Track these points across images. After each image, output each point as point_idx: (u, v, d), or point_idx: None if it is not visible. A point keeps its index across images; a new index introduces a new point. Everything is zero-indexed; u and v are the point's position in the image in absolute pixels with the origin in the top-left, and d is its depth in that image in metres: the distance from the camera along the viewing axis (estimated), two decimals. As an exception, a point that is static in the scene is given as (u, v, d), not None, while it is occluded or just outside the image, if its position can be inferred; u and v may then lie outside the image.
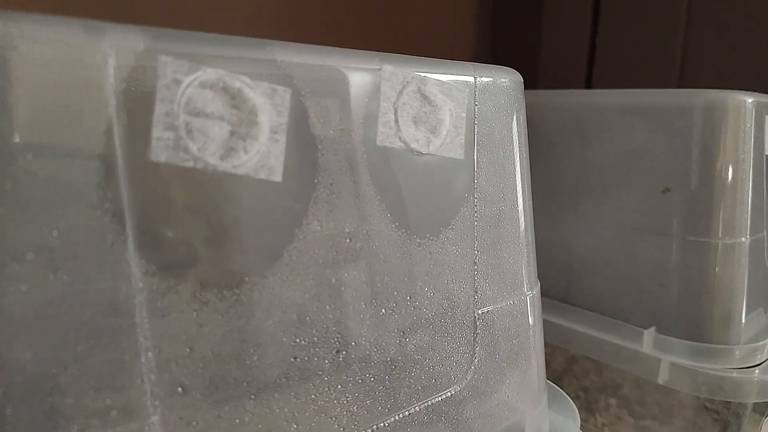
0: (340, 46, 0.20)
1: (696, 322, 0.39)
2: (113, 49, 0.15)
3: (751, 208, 0.38)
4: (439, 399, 0.23)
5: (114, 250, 0.16)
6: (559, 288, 0.46)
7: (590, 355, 0.44)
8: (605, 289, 0.43)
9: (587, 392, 0.49)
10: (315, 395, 0.20)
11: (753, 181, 0.38)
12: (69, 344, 0.15)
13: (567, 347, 0.45)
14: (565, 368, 0.51)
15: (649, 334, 0.39)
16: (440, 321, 0.23)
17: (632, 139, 0.41)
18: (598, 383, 0.48)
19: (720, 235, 0.38)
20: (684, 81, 0.52)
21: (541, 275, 0.29)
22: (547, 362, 0.39)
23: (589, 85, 0.56)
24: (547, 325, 0.41)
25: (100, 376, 0.16)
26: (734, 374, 0.38)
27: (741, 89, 0.38)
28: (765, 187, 0.40)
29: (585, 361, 0.47)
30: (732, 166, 0.38)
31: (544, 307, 0.36)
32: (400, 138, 0.21)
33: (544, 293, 0.46)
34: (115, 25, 0.16)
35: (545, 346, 0.30)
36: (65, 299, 0.15)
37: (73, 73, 0.15)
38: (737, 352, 0.39)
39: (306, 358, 0.19)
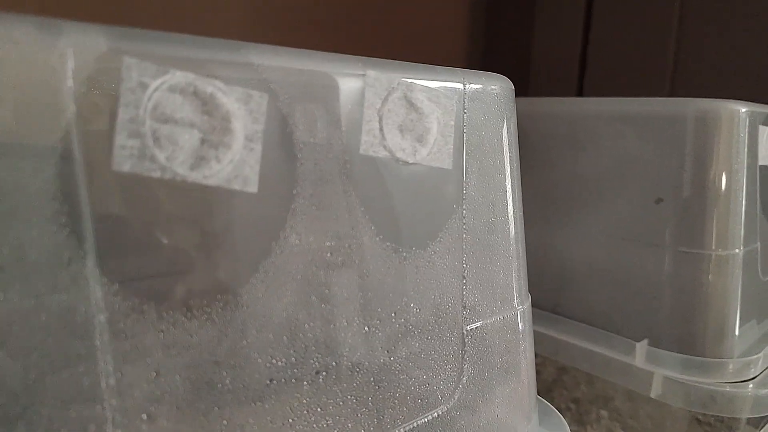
0: (330, 51, 0.19)
1: (689, 335, 0.38)
2: (72, 50, 0.14)
3: (745, 219, 0.37)
4: (426, 420, 0.22)
5: (71, 267, 0.14)
6: (549, 298, 0.45)
7: (581, 368, 0.43)
8: (596, 300, 0.42)
9: (578, 404, 0.48)
10: (293, 419, 0.19)
11: (746, 191, 0.37)
12: (19, 371, 0.14)
13: (557, 359, 0.44)
14: (556, 379, 0.50)
15: (641, 347, 0.38)
16: (427, 338, 0.22)
17: (624, 148, 0.40)
18: (589, 394, 0.47)
19: (713, 247, 0.37)
20: (676, 89, 0.51)
21: (531, 285, 0.28)
22: (537, 372, 0.38)
23: (580, 93, 0.56)
24: (536, 336, 0.40)
25: (56, 404, 0.14)
26: (727, 388, 0.37)
27: (733, 98, 0.38)
28: (758, 197, 0.39)
29: (576, 371, 0.46)
30: (725, 177, 0.37)
31: (534, 318, 0.35)
32: (384, 147, 0.20)
33: (534, 303, 0.45)
34: (75, 23, 0.14)
35: (535, 356, 0.29)
36: (15, 322, 0.14)
37: (26, 76, 0.14)
38: (731, 366, 0.38)
39: (283, 380, 0.18)
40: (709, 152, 0.37)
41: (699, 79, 0.51)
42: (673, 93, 0.51)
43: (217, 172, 0.16)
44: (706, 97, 0.38)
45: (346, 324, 0.20)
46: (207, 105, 0.16)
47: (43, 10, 0.41)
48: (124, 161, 0.15)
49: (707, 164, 0.37)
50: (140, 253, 0.16)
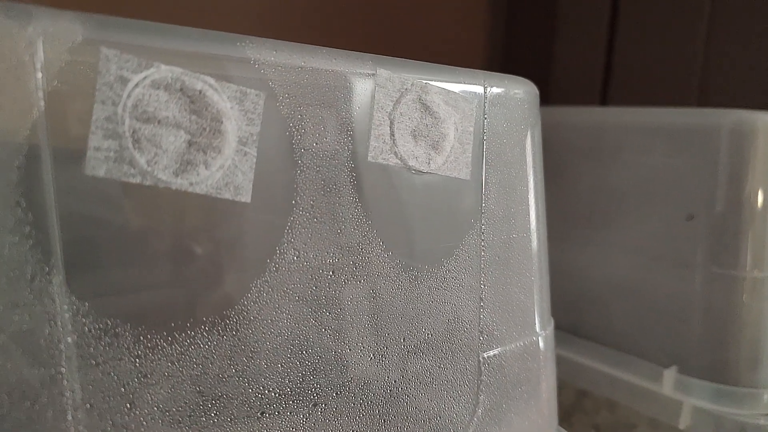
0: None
1: (721, 362, 0.35)
2: (42, 39, 0.13)
3: (784, 239, 0.35)
4: (436, 455, 0.20)
5: (35, 284, 0.13)
6: (569, 319, 0.43)
7: (603, 393, 0.40)
8: (621, 322, 0.40)
9: (598, 430, 0.46)
10: (287, 456, 0.17)
11: (786, 209, 0.35)
12: (-32, 403, 0.12)
13: (578, 383, 0.42)
14: (575, 403, 0.47)
15: (669, 374, 0.36)
16: (439, 366, 0.20)
17: (652, 161, 0.38)
18: (610, 421, 0.44)
19: (748, 268, 0.35)
20: (704, 98, 0.49)
21: (551, 304, 0.26)
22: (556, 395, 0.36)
23: (604, 102, 0.54)
24: (556, 359, 0.38)
25: (14, 440, 0.13)
26: (762, 421, 0.35)
27: (763, 108, 0.35)
28: (798, 215, 0.36)
29: (597, 395, 0.44)
30: (762, 192, 0.35)
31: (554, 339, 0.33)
32: (395, 154, 0.18)
33: (554, 324, 0.43)
34: (46, 9, 0.13)
35: None
36: (-33, 345, 0.12)
37: (-13, 65, 0.12)
38: (766, 397, 0.35)
39: (277, 413, 0.16)
40: (744, 166, 0.35)
41: (729, 88, 0.49)
42: (701, 102, 0.49)
43: (205, 179, 0.14)
44: (735, 107, 0.36)
45: (349, 350, 0.18)
46: (195, 103, 0.14)
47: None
48: (98, 165, 0.13)
49: (742, 179, 0.35)
50: (115, 269, 0.14)
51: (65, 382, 0.13)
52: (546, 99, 0.56)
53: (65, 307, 0.13)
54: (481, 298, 0.21)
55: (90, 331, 0.13)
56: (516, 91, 0.22)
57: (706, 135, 0.36)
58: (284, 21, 0.47)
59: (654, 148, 0.38)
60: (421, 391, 0.19)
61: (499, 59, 0.61)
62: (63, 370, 0.13)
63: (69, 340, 0.13)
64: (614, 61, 0.54)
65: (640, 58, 0.52)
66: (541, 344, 0.23)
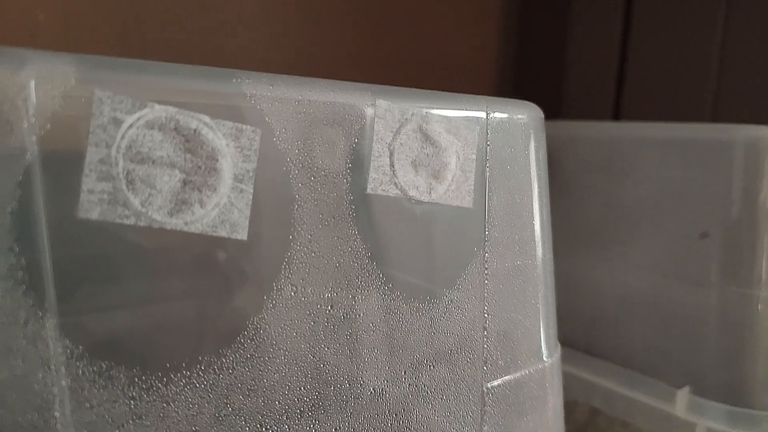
0: (353, 80, 0.17)
1: (736, 383, 0.34)
2: (34, 82, 0.12)
3: (801, 257, 0.34)
4: (440, 487, 0.20)
5: (29, 328, 0.13)
6: (580, 337, 0.42)
7: (615, 413, 0.40)
8: (633, 340, 0.39)
9: (611, 449, 0.45)
10: (286, 493, 0.17)
11: (803, 226, 0.34)
12: (-40, 451, 0.12)
13: (591, 402, 0.41)
14: (588, 420, 0.47)
15: (682, 395, 0.35)
16: (441, 398, 0.20)
17: (665, 177, 0.37)
18: (623, 439, 0.44)
19: (763, 286, 0.34)
20: (718, 114, 0.48)
21: (561, 322, 0.25)
22: (568, 413, 0.35)
23: (616, 116, 0.53)
24: (567, 377, 0.37)
25: (7, 485, 0.13)
26: (779, 443, 0.34)
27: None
28: (816, 233, 0.35)
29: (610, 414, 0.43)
30: (778, 209, 0.34)
31: (564, 357, 0.32)
32: (396, 185, 0.18)
33: (564, 341, 0.42)
34: (39, 52, 0.13)
35: (566, 396, 0.26)
36: (-41, 393, 0.12)
37: (-22, 112, 0.12)
38: (783, 419, 0.34)
39: (274, 451, 0.16)
40: (758, 182, 0.34)
41: (743, 104, 0.48)
42: (715, 118, 0.48)
43: (200, 218, 0.14)
44: (749, 122, 0.35)
45: (348, 386, 0.17)
46: (190, 142, 0.14)
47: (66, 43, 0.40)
48: (92, 207, 0.13)
49: (757, 195, 0.34)
50: (109, 311, 0.14)
51: (59, 426, 0.13)
52: (558, 113, 0.55)
53: (59, 350, 0.13)
54: (484, 328, 0.21)
55: (84, 374, 0.13)
56: (519, 115, 0.21)
57: (720, 151, 0.35)
58: (289, 49, 0.47)
59: (667, 164, 0.37)
60: (423, 424, 0.19)
61: (512, 75, 0.60)
62: (57, 414, 0.13)
63: (63, 383, 0.13)
64: (627, 75, 0.53)
65: (653, 72, 0.52)
66: (547, 372, 0.23)
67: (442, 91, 0.19)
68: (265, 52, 0.46)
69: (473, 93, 0.20)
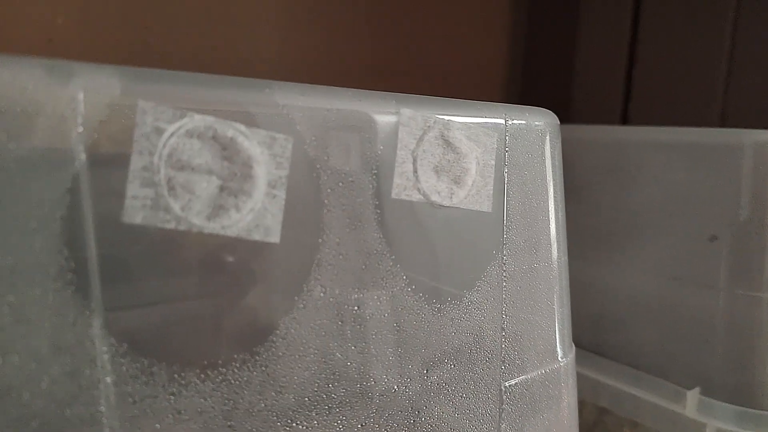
0: (366, 86, 0.18)
1: (746, 385, 0.35)
2: (83, 94, 0.13)
3: (809, 260, 0.34)
4: (459, 483, 0.20)
5: (77, 327, 0.13)
6: (590, 337, 0.43)
7: (624, 413, 0.40)
8: (643, 342, 0.40)
9: (620, 449, 0.45)
10: (314, 487, 0.17)
11: (811, 229, 0.34)
12: (15, 443, 0.13)
13: (600, 403, 0.41)
14: (597, 420, 0.47)
15: (692, 396, 0.35)
16: (461, 396, 0.20)
17: (674, 180, 0.37)
18: (632, 439, 0.44)
19: (772, 289, 0.34)
20: (726, 119, 0.48)
21: (574, 323, 0.26)
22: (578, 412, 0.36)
23: (624, 120, 0.53)
24: (577, 377, 0.38)
25: (56, 476, 0.13)
26: (788, 444, 0.34)
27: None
28: (824, 236, 0.36)
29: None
30: (787, 212, 0.34)
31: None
32: (419, 190, 0.19)
33: (574, 342, 0.43)
34: (86, 65, 0.13)
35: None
36: (15, 387, 0.13)
37: (34, 123, 0.13)
38: (791, 420, 0.35)
39: (304, 446, 0.17)
40: (767, 186, 0.35)
41: (752, 109, 0.48)
42: (723, 123, 0.49)
43: (236, 222, 0.15)
44: (758, 128, 0.35)
45: (373, 383, 0.18)
46: (227, 150, 0.15)
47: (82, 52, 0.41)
48: (136, 212, 0.14)
49: (766, 199, 0.35)
50: (151, 311, 0.14)
51: (104, 420, 0.14)
52: (566, 118, 0.56)
53: (104, 348, 0.14)
54: (502, 328, 0.21)
55: (127, 371, 0.14)
56: (537, 122, 0.22)
57: (729, 155, 0.35)
58: (303, 56, 0.48)
59: (676, 167, 0.38)
60: (444, 421, 0.20)
61: (520, 79, 0.61)
62: (102, 408, 0.14)
63: (108, 380, 0.14)
64: (635, 80, 0.54)
65: (661, 77, 0.52)
66: (562, 371, 0.23)
67: (451, 95, 0.20)
68: (279, 58, 0.47)
69: (482, 97, 0.21)
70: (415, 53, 0.53)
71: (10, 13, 0.39)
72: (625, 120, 0.54)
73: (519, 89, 0.61)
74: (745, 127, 0.37)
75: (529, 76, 0.61)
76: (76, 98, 0.13)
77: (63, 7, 0.41)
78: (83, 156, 0.13)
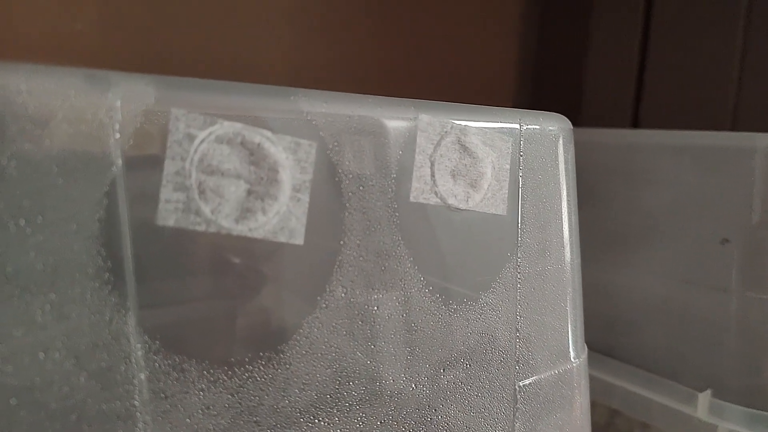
0: (375, 93, 0.18)
1: (757, 387, 0.35)
2: (119, 102, 0.14)
3: (821, 263, 0.35)
4: (474, 481, 0.21)
5: (113, 325, 0.14)
6: (601, 339, 0.43)
7: (636, 415, 0.40)
8: (654, 344, 0.40)
9: (631, 451, 0.45)
10: (335, 482, 0.18)
11: (823, 232, 0.35)
12: (56, 435, 0.13)
13: (611, 404, 0.42)
14: (608, 421, 0.47)
15: (704, 398, 0.36)
16: (476, 395, 0.21)
17: (686, 183, 0.38)
18: (643, 441, 0.44)
19: (784, 291, 0.35)
20: (738, 122, 0.49)
21: (586, 325, 0.26)
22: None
23: (635, 124, 0.54)
24: (591, 379, 0.38)
25: (92, 467, 0.14)
26: (799, 447, 0.34)
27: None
28: (836, 239, 0.36)
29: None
30: (798, 216, 0.35)
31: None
32: (436, 193, 0.19)
33: (586, 344, 0.43)
34: (123, 74, 0.14)
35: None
36: (55, 383, 0.13)
37: (74, 130, 0.13)
38: (803, 422, 0.35)
39: (325, 441, 0.17)
40: (779, 189, 0.35)
41: (763, 112, 0.49)
42: (735, 126, 0.49)
43: (262, 225, 0.16)
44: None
45: (391, 381, 0.18)
46: (254, 155, 0.15)
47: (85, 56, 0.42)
48: (168, 215, 0.14)
49: (777, 202, 0.35)
50: (183, 310, 0.15)
51: (138, 415, 0.14)
52: (576, 121, 0.56)
53: (138, 345, 0.14)
54: (517, 329, 0.22)
55: (160, 367, 0.15)
56: (551, 127, 0.22)
57: (741, 158, 0.36)
58: (313, 61, 0.49)
59: (687, 171, 0.38)
60: (459, 419, 0.20)
61: (531, 82, 0.61)
62: (136, 403, 0.14)
63: (142, 376, 0.14)
64: (646, 83, 0.54)
65: (672, 80, 0.52)
66: (575, 371, 0.24)
67: (462, 99, 0.20)
68: (291, 63, 0.48)
69: (494, 101, 0.21)
70: (427, 57, 0.54)
71: (30, 19, 0.40)
72: (636, 123, 0.54)
73: (530, 92, 0.61)
74: (757, 130, 0.37)
75: (540, 79, 0.62)
76: (114, 106, 0.14)
77: (81, 14, 0.42)
78: (120, 161, 0.14)
